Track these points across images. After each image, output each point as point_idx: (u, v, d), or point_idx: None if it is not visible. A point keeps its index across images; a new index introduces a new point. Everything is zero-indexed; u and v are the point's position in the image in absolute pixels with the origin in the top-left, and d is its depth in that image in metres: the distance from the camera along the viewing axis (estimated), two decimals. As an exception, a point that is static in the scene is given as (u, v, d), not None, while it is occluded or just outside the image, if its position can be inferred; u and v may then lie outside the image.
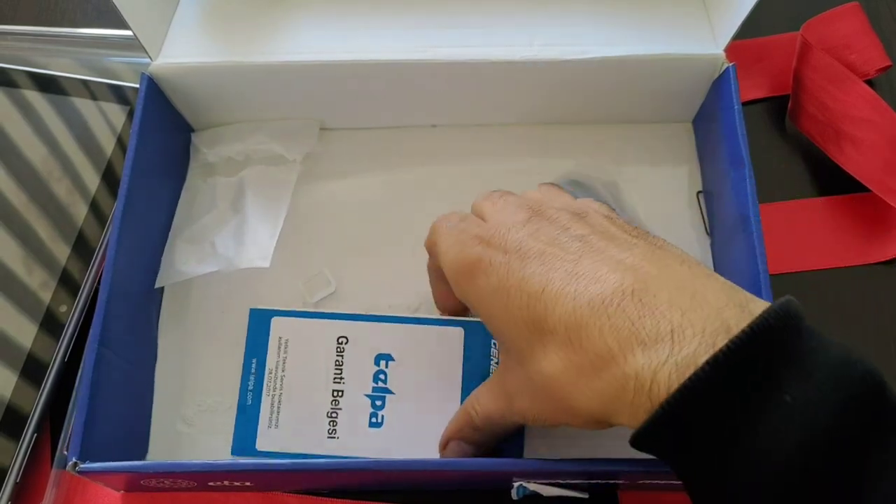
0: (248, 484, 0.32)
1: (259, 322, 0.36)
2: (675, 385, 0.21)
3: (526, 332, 0.26)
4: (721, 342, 0.21)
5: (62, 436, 0.35)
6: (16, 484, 0.34)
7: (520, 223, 0.28)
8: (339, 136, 0.42)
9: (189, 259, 0.37)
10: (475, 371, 0.35)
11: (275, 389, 0.35)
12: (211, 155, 0.41)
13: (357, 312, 0.36)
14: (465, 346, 0.35)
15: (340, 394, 0.35)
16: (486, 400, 0.30)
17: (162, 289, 0.38)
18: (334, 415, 0.35)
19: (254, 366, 0.35)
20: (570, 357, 0.24)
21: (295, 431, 0.34)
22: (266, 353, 0.35)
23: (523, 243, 0.27)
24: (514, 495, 0.32)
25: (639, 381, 0.22)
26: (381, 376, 0.35)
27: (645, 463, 0.29)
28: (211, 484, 0.32)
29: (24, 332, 0.36)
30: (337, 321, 0.36)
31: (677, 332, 0.22)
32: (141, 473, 0.30)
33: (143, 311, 0.36)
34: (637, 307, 0.23)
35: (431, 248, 0.32)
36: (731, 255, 0.35)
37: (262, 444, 0.34)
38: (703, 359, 0.21)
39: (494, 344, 0.35)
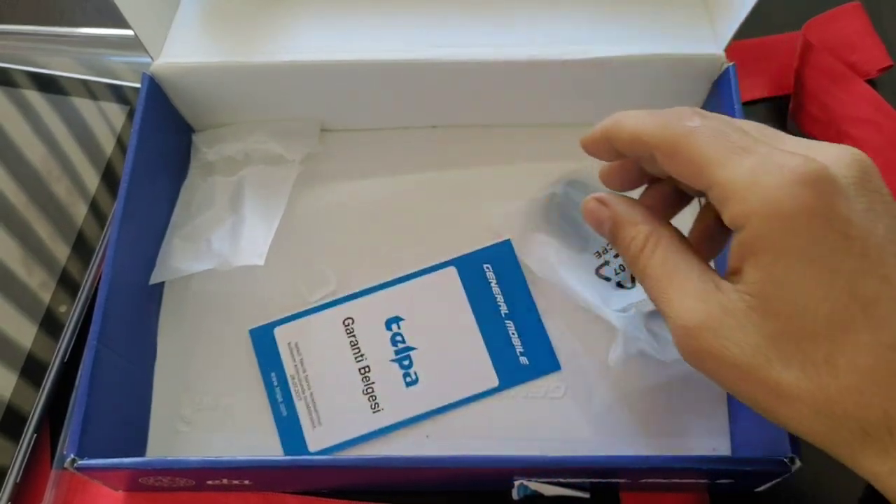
0: (246, 483, 0.32)
1: (263, 338, 0.36)
2: None
3: (819, 326, 0.22)
4: None
5: (62, 436, 0.35)
6: (15, 484, 0.33)
7: (855, 182, 0.23)
8: (340, 136, 0.42)
9: (184, 256, 0.37)
10: (480, 298, 0.37)
11: (304, 392, 0.35)
12: (211, 154, 0.41)
13: (348, 293, 0.37)
14: (461, 280, 0.37)
15: (367, 369, 0.36)
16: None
17: (162, 288, 0.38)
18: (370, 390, 0.35)
19: (274, 380, 0.36)
20: (857, 385, 0.22)
21: (340, 421, 0.35)
22: (282, 364, 0.36)
23: (863, 224, 0.22)
24: (514, 495, 0.32)
25: None
26: (398, 338, 0.36)
27: (646, 461, 0.29)
28: (210, 483, 0.32)
29: (24, 333, 0.36)
30: (335, 308, 0.37)
31: None
32: (139, 471, 0.30)
33: (143, 310, 0.36)
34: None
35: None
36: (732, 255, 0.35)
37: (313, 446, 0.35)
38: None
39: (489, 267, 0.37)
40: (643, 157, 0.27)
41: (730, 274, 0.24)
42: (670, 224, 0.27)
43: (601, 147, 0.29)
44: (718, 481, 0.31)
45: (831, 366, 0.22)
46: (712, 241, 0.29)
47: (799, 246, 0.22)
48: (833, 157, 0.23)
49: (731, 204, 0.23)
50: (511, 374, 0.36)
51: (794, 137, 0.25)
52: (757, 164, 0.23)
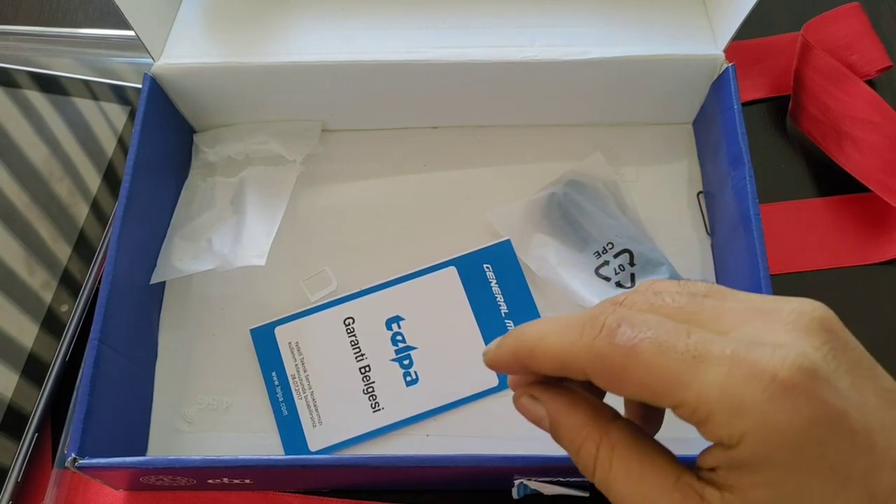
0: (247, 482, 0.32)
1: (263, 338, 0.37)
2: None
3: None
4: None
5: (63, 435, 0.35)
6: (17, 483, 0.34)
7: (828, 353, 0.21)
8: (341, 137, 0.42)
9: (185, 256, 0.37)
10: (480, 298, 0.37)
11: (305, 391, 0.36)
12: (212, 154, 0.41)
13: (348, 293, 0.37)
14: (461, 280, 0.37)
15: (368, 368, 0.36)
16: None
17: (163, 287, 0.38)
18: (370, 389, 0.36)
19: (275, 379, 0.36)
20: None
21: (340, 420, 0.35)
22: (282, 363, 0.36)
23: (857, 402, 0.20)
24: (515, 494, 0.32)
25: None
26: (399, 337, 0.36)
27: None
28: (210, 482, 0.32)
29: (26, 332, 0.36)
30: (336, 307, 0.37)
31: None
32: (140, 470, 0.30)
33: (144, 310, 0.37)
34: None
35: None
36: (731, 256, 0.35)
37: (314, 445, 0.35)
38: None
39: (489, 267, 0.37)
40: (572, 376, 0.23)
41: (717, 484, 0.21)
42: (620, 416, 0.24)
43: (512, 369, 0.25)
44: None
45: None
46: (649, 422, 0.27)
47: (808, 459, 0.19)
48: (797, 332, 0.20)
49: (711, 426, 0.20)
50: (511, 373, 0.36)
51: (738, 301, 0.22)
52: (725, 376, 0.20)
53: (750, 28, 0.35)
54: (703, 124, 0.40)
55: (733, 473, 0.21)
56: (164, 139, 0.39)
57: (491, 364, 0.25)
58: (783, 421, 0.19)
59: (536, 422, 0.25)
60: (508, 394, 0.35)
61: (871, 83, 0.42)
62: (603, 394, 0.25)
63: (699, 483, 0.22)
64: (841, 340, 0.21)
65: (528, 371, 0.24)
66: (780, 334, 0.20)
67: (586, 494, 0.32)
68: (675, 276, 0.36)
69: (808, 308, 0.21)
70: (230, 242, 0.37)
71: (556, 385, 0.25)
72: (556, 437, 0.24)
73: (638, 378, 0.21)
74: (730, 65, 0.37)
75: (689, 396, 0.20)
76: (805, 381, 0.19)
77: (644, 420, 0.26)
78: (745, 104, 0.39)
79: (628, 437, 0.23)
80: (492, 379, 0.36)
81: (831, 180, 0.41)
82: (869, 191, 0.39)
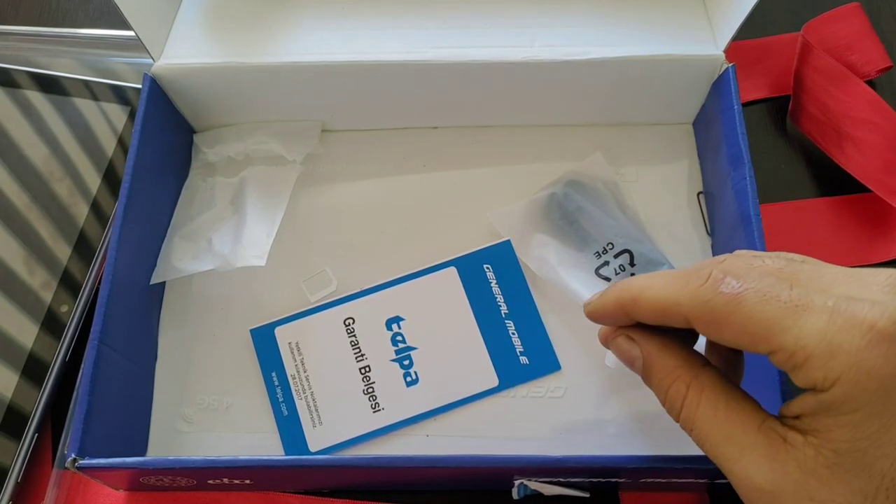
0: (247, 482, 0.32)
1: (263, 338, 0.37)
2: None
3: None
4: None
5: (63, 436, 0.35)
6: (17, 484, 0.34)
7: None
8: (341, 137, 0.42)
9: (185, 256, 0.37)
10: (480, 298, 0.37)
11: (304, 392, 0.36)
12: (212, 154, 0.41)
13: (348, 293, 0.38)
14: (462, 280, 0.37)
15: (368, 369, 0.36)
16: None
17: (163, 288, 0.38)
18: (370, 390, 0.36)
19: (275, 379, 0.36)
20: None
21: (340, 421, 0.35)
22: (282, 363, 0.36)
23: None
24: (514, 495, 0.32)
25: None
26: (399, 338, 0.36)
27: (647, 460, 0.29)
28: (211, 482, 0.32)
29: (26, 332, 0.36)
30: (336, 307, 0.37)
31: None
32: (140, 470, 0.30)
33: (144, 310, 0.37)
34: None
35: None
36: (731, 256, 0.35)
37: (314, 445, 0.35)
38: None
39: (489, 267, 0.37)
40: (671, 323, 0.25)
41: (800, 429, 0.22)
42: (709, 363, 0.25)
43: (613, 318, 0.27)
44: (718, 481, 0.31)
45: None
46: (731, 372, 0.28)
47: (894, 403, 0.21)
48: (893, 293, 0.22)
49: (807, 370, 0.22)
50: (511, 373, 0.36)
51: (832, 268, 0.23)
52: (826, 323, 0.21)
53: (750, 28, 0.35)
54: (704, 124, 0.40)
55: (819, 418, 0.22)
56: (164, 139, 0.39)
57: (592, 313, 0.28)
58: (878, 365, 0.21)
59: (629, 362, 0.27)
60: (508, 394, 0.35)
61: (871, 83, 0.42)
62: (693, 344, 0.27)
63: (783, 428, 0.23)
64: None
65: (627, 319, 0.26)
66: (877, 294, 0.22)
67: (586, 495, 0.32)
68: None
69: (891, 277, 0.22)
70: (230, 243, 0.37)
71: (651, 330, 0.26)
72: (647, 377, 0.26)
73: (739, 324, 0.22)
74: (730, 65, 0.37)
75: (788, 341, 0.21)
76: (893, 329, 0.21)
77: (727, 369, 0.28)
78: (745, 104, 0.39)
79: (717, 382, 0.24)
80: (492, 379, 0.36)
81: (831, 180, 0.41)
82: (869, 191, 0.39)
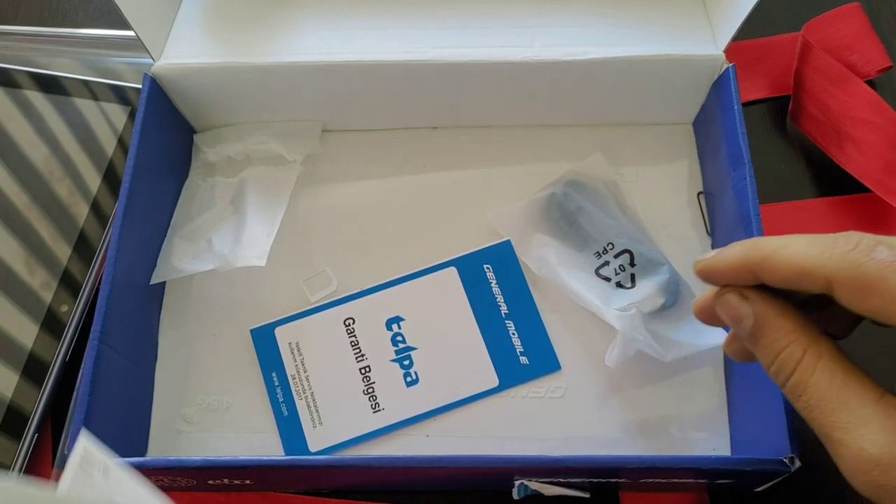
0: (247, 482, 0.32)
1: (264, 338, 0.37)
2: None
3: None
4: None
5: (63, 436, 0.35)
6: (16, 483, 0.34)
7: None
8: (341, 137, 0.42)
9: (185, 256, 0.37)
10: (480, 298, 0.37)
11: (304, 392, 0.36)
12: (212, 154, 0.41)
13: (348, 294, 0.38)
14: (462, 280, 0.38)
15: (368, 369, 0.36)
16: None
17: (163, 288, 0.38)
18: (371, 390, 0.36)
19: (275, 379, 0.36)
20: None
21: (340, 421, 0.35)
22: (282, 363, 0.36)
23: None
24: (515, 495, 0.32)
25: None
26: (399, 338, 0.36)
27: (647, 460, 0.29)
28: (211, 483, 0.32)
29: (26, 332, 0.36)
30: (336, 307, 0.37)
31: None
32: (140, 470, 0.30)
33: (144, 310, 0.37)
34: None
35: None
36: (731, 256, 0.35)
37: (314, 445, 0.35)
38: None
39: (489, 267, 0.37)
40: (807, 287, 0.24)
41: None
42: (827, 335, 0.24)
43: (732, 276, 0.25)
44: (718, 481, 0.31)
45: None
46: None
47: None
48: None
49: None
50: (511, 374, 0.36)
51: None
52: None
53: (750, 28, 0.35)
54: (704, 124, 0.40)
55: None
56: (165, 139, 0.39)
57: (706, 270, 0.26)
58: None
59: (736, 320, 0.25)
60: (508, 394, 0.35)
61: (871, 83, 0.42)
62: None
63: None
64: None
65: (747, 279, 0.25)
66: None
67: (587, 495, 0.32)
68: (675, 276, 0.36)
69: None
70: (230, 243, 0.37)
71: (767, 294, 0.25)
72: (756, 337, 0.25)
73: (891, 292, 0.22)
74: (730, 65, 0.37)
75: None
76: None
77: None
78: (745, 104, 0.39)
79: (834, 351, 0.24)
80: (492, 379, 0.36)
81: (831, 180, 0.41)
82: (869, 191, 0.39)
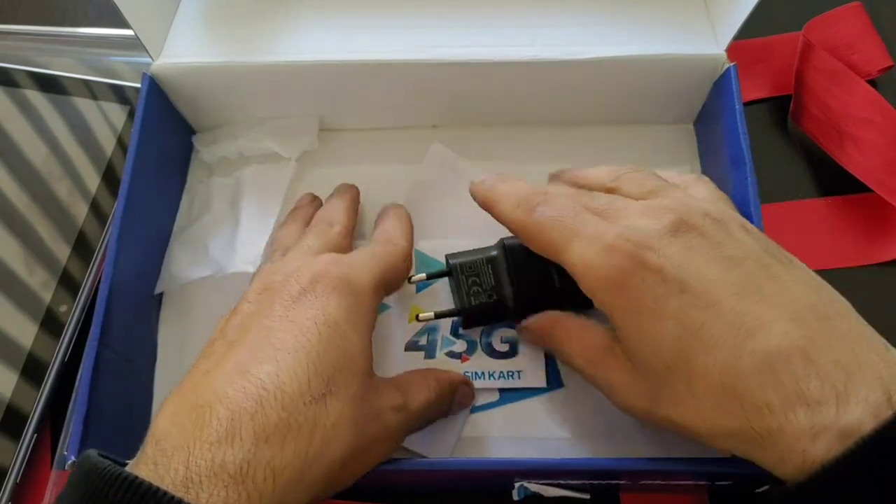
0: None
1: None
2: (836, 449, 0.21)
3: (669, 362, 0.26)
4: (885, 411, 0.22)
5: (62, 436, 0.35)
6: (16, 484, 0.34)
7: (667, 232, 0.27)
8: (340, 136, 0.42)
9: (183, 262, 0.37)
10: None
11: None
12: (207, 154, 0.41)
13: None
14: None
15: None
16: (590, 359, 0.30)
17: (162, 288, 0.38)
18: None
19: None
20: (717, 402, 0.24)
21: None
22: None
23: (680, 263, 0.26)
24: (515, 496, 0.32)
25: (797, 440, 0.22)
26: None
27: (647, 462, 0.29)
28: (211, 484, 0.32)
29: (25, 332, 0.36)
30: None
31: (842, 397, 0.22)
32: (140, 473, 0.30)
33: (143, 311, 0.36)
34: (804, 365, 0.23)
35: (534, 229, 0.30)
36: (732, 256, 0.35)
37: None
38: (867, 427, 0.21)
39: None
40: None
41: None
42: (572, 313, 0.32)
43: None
44: (718, 483, 0.31)
45: (693, 393, 0.25)
46: None
47: (628, 302, 0.26)
48: (647, 215, 0.28)
49: (580, 282, 0.28)
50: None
51: (634, 203, 0.29)
52: (583, 244, 0.28)
53: (751, 28, 0.35)
54: (705, 124, 0.40)
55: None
56: (164, 139, 0.39)
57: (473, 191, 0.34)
58: (605, 272, 0.27)
59: (544, 343, 0.34)
60: (508, 394, 0.35)
61: (872, 83, 0.42)
62: None
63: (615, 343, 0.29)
64: (688, 222, 0.27)
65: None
66: (637, 220, 0.28)
67: (587, 496, 0.32)
68: None
69: (666, 202, 0.28)
70: (226, 248, 0.37)
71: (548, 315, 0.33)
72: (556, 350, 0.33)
73: (537, 244, 0.30)
74: (731, 64, 0.37)
75: (566, 260, 0.28)
76: (625, 246, 0.27)
77: None
78: (746, 104, 0.39)
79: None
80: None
81: (832, 180, 0.41)
82: (870, 191, 0.39)
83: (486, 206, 0.32)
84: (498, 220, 0.32)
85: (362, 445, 0.26)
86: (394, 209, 0.36)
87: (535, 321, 0.33)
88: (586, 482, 0.31)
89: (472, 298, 0.34)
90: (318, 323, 0.26)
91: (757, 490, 0.32)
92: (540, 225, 0.29)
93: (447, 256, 0.35)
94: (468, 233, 0.36)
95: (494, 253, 0.34)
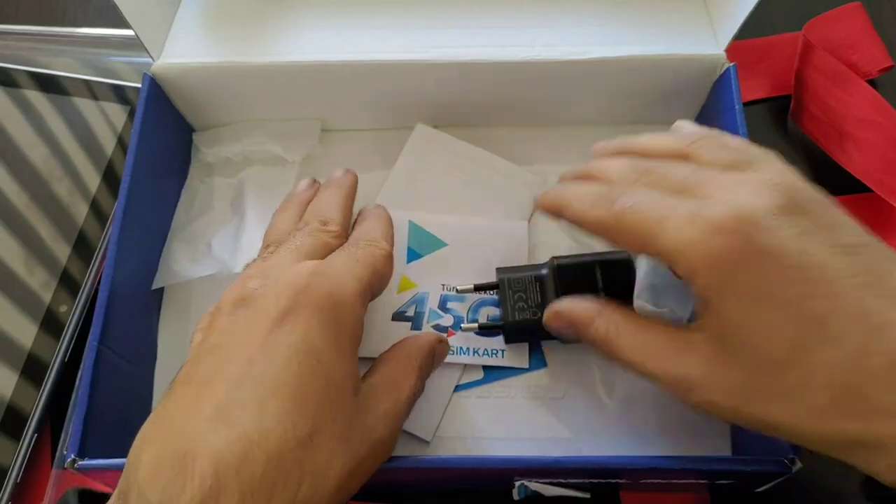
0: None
1: None
2: None
3: (782, 353, 0.23)
4: None
5: (62, 436, 0.35)
6: (16, 484, 0.34)
7: (779, 211, 0.24)
8: (341, 136, 0.42)
9: (184, 259, 0.37)
10: None
11: None
12: (210, 155, 0.41)
13: None
14: None
15: None
16: (658, 363, 0.27)
17: (162, 288, 0.38)
18: None
19: None
20: (836, 401, 0.23)
21: None
22: None
23: (798, 248, 0.24)
24: (515, 495, 0.32)
25: None
26: None
27: (647, 461, 0.29)
28: (211, 484, 0.32)
29: (25, 332, 0.36)
30: None
31: None
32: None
33: (144, 311, 0.36)
34: None
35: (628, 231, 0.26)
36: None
37: None
38: None
39: None
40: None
41: (696, 328, 0.26)
42: (617, 303, 0.30)
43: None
44: (718, 482, 0.31)
45: (808, 388, 0.23)
46: None
47: (742, 287, 0.24)
48: (753, 192, 0.25)
49: (677, 266, 0.25)
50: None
51: (724, 174, 0.26)
52: (680, 224, 0.25)
53: (751, 28, 0.35)
54: (705, 124, 0.40)
55: (700, 310, 0.26)
56: (164, 139, 0.39)
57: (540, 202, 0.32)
58: (718, 253, 0.24)
59: (567, 332, 0.32)
60: (508, 394, 0.35)
61: (872, 83, 0.42)
62: None
63: (688, 334, 0.26)
64: (800, 204, 0.25)
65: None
66: (742, 196, 0.25)
67: (587, 495, 0.32)
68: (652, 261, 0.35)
69: (773, 178, 0.25)
70: (230, 247, 0.37)
71: (571, 299, 0.31)
72: (582, 336, 0.30)
73: (624, 238, 0.27)
74: (731, 65, 0.37)
75: (661, 245, 0.25)
76: (742, 225, 0.24)
77: None
78: (746, 104, 0.39)
79: (626, 314, 0.29)
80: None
81: (832, 180, 0.41)
82: (870, 191, 0.39)
83: (558, 212, 0.30)
84: (574, 223, 0.29)
85: (356, 467, 0.25)
86: (375, 210, 0.35)
87: (569, 306, 0.31)
88: (587, 481, 0.31)
89: (516, 313, 0.34)
90: (299, 352, 0.25)
91: (757, 489, 0.32)
92: (623, 217, 0.26)
93: (497, 269, 0.35)
94: (458, 208, 0.38)
95: (544, 272, 0.34)
